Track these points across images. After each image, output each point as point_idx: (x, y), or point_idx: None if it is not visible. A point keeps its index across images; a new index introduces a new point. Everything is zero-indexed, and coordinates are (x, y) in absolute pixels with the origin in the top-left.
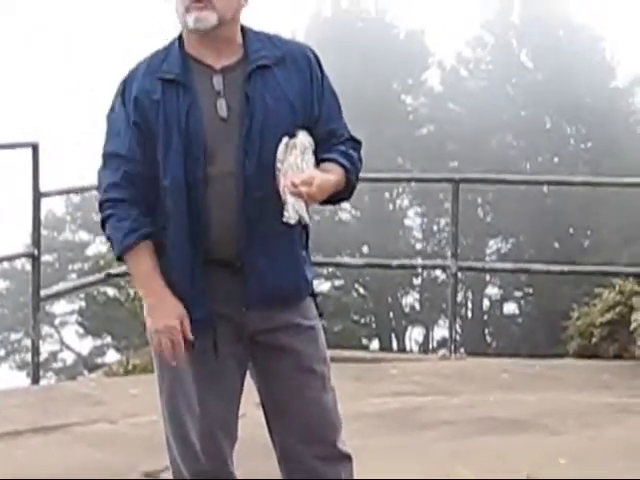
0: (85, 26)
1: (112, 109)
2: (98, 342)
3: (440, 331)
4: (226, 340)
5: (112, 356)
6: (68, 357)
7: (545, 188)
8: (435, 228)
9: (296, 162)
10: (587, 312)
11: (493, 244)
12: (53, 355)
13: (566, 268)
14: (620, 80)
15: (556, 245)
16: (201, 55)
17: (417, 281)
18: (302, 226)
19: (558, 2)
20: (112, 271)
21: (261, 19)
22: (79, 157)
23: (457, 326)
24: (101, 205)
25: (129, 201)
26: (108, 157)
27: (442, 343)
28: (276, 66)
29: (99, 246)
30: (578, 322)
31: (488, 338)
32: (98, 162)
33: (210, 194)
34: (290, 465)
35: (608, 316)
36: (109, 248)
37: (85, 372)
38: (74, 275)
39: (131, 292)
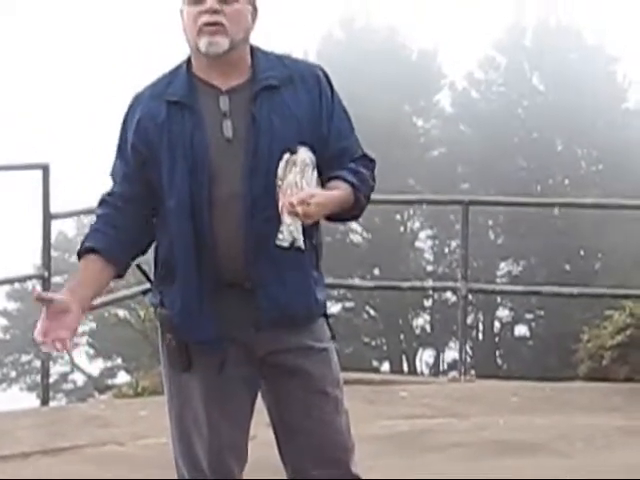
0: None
1: (119, 132)
2: (108, 363)
3: (451, 353)
4: (236, 362)
5: (122, 377)
6: (78, 379)
7: (556, 210)
8: (446, 250)
9: (295, 180)
10: (597, 334)
11: (504, 266)
12: (63, 376)
13: (577, 290)
14: (632, 102)
15: (567, 267)
16: (209, 76)
17: (428, 303)
18: (313, 246)
19: (570, 24)
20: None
21: (273, 41)
22: (90, 178)
23: (468, 348)
24: None
25: (99, 217)
26: (109, 178)
27: (453, 365)
28: (284, 86)
29: None
30: (588, 344)
31: (499, 360)
32: (108, 183)
33: (216, 215)
34: None
35: (619, 338)
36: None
37: (95, 394)
38: None
39: (141, 313)
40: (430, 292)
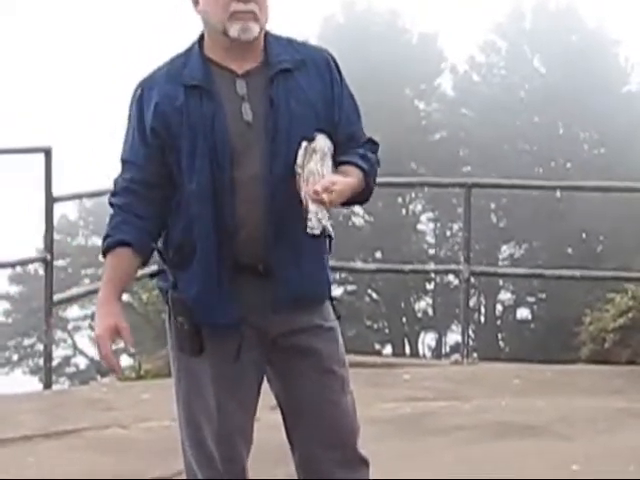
0: (85, 26)
1: (128, 114)
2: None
3: (453, 336)
4: (249, 346)
5: (125, 361)
6: (81, 362)
7: (558, 193)
8: (448, 233)
9: (316, 168)
10: (599, 317)
11: (506, 249)
12: (66, 360)
13: (579, 273)
14: (634, 84)
15: (569, 250)
16: (223, 60)
17: (430, 286)
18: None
19: (571, 6)
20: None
21: (274, 24)
22: (92, 161)
23: (470, 331)
24: (110, 206)
25: (122, 207)
26: (122, 163)
27: (455, 348)
28: (297, 70)
29: None
30: (590, 327)
31: (501, 343)
32: (111, 166)
33: (237, 198)
34: (308, 469)
35: (621, 321)
36: None
37: (98, 377)
38: (87, 280)
39: (144, 297)
40: (432, 275)
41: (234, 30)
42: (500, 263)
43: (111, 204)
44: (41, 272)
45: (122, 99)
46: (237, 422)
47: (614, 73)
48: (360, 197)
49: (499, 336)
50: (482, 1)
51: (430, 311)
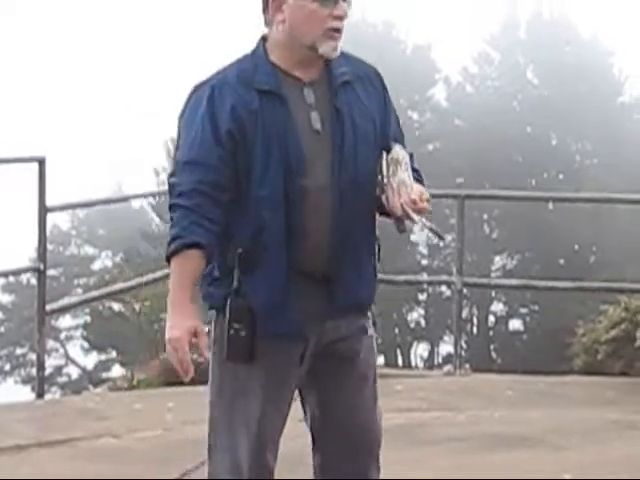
0: (84, 25)
1: (188, 112)
2: (103, 357)
3: (445, 347)
4: (310, 353)
5: (117, 371)
6: (73, 372)
7: (551, 204)
8: (441, 244)
9: (404, 178)
10: (592, 329)
11: (499, 260)
12: (58, 369)
13: (571, 284)
14: (627, 95)
15: (561, 262)
16: (290, 67)
17: (422, 297)
18: (376, 238)
19: (565, 17)
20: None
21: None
22: (85, 171)
23: (462, 342)
24: (170, 208)
25: (191, 209)
26: (186, 164)
27: (447, 359)
28: (356, 83)
29: (105, 261)
30: (583, 339)
31: (493, 354)
32: (103, 176)
33: (305, 206)
34: (329, 470)
35: (613, 333)
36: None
37: (90, 387)
38: (79, 290)
39: (136, 307)
40: (425, 286)
41: (326, 47)
42: (492, 274)
43: (177, 205)
44: (33, 282)
45: (117, 109)
46: (275, 430)
47: (608, 84)
48: None
49: (491, 347)
50: (476, 12)
51: (423, 322)
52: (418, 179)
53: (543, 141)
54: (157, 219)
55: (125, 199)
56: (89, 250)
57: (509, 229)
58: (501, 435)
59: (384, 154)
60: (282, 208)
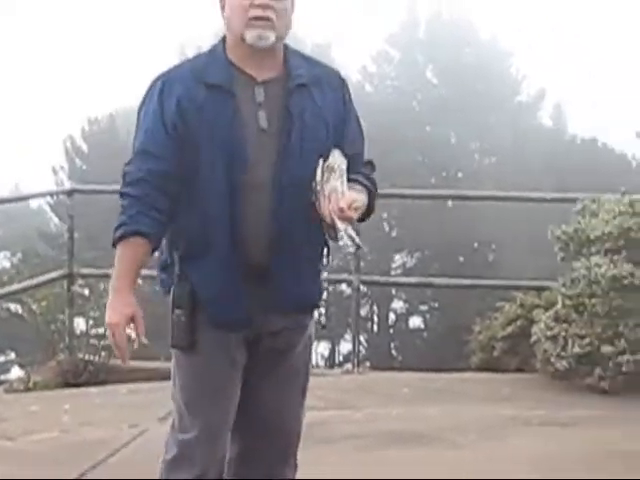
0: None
1: (144, 104)
2: (2, 358)
3: (346, 345)
4: (248, 343)
5: (16, 373)
6: None
7: (450, 203)
8: (340, 243)
9: (336, 186)
10: (489, 326)
11: (399, 258)
12: None
13: (468, 282)
14: (525, 95)
15: (461, 259)
16: (244, 65)
17: (323, 296)
18: (324, 240)
19: (465, 18)
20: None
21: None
22: None
23: (362, 340)
24: (120, 196)
25: (139, 198)
26: (138, 153)
27: (348, 357)
28: (313, 86)
29: (2, 262)
30: (480, 336)
31: (394, 352)
32: None
33: (248, 202)
34: (246, 461)
35: (509, 329)
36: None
37: None
38: None
39: (34, 307)
40: (325, 284)
41: (250, 36)
42: (393, 272)
43: (126, 194)
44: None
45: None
46: (230, 419)
47: (506, 84)
48: (364, 216)
49: (392, 345)
50: (376, 11)
51: (323, 320)
52: (367, 186)
53: (442, 140)
54: (56, 219)
55: (23, 198)
56: None
57: (409, 227)
58: (398, 432)
59: (320, 161)
60: (226, 201)
